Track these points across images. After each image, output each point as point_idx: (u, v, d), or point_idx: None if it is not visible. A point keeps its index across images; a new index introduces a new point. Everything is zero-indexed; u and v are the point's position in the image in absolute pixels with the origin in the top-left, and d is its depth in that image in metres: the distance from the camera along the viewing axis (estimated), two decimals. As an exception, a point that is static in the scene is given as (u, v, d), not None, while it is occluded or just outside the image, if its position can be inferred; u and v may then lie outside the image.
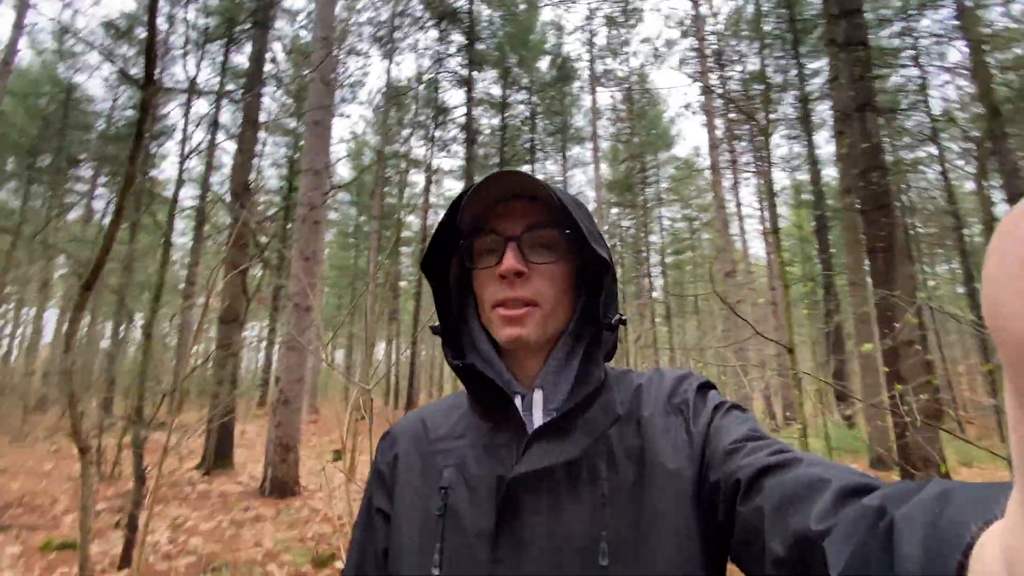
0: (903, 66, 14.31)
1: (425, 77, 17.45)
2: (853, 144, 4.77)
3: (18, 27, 11.44)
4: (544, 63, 19.92)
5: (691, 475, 0.53)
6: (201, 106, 15.70)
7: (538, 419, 0.58)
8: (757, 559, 0.42)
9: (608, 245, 0.62)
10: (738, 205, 17.71)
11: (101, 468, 6.42)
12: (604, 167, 20.82)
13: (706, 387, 0.61)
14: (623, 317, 0.61)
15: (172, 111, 14.78)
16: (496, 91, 19.12)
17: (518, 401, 0.60)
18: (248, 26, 11.83)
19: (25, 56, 16.81)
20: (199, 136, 13.40)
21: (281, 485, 5.66)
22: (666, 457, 0.54)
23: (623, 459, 0.55)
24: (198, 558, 3.87)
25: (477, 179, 0.59)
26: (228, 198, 8.36)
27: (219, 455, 6.95)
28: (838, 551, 0.33)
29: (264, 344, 20.44)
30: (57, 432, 10.82)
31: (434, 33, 17.43)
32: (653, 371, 0.65)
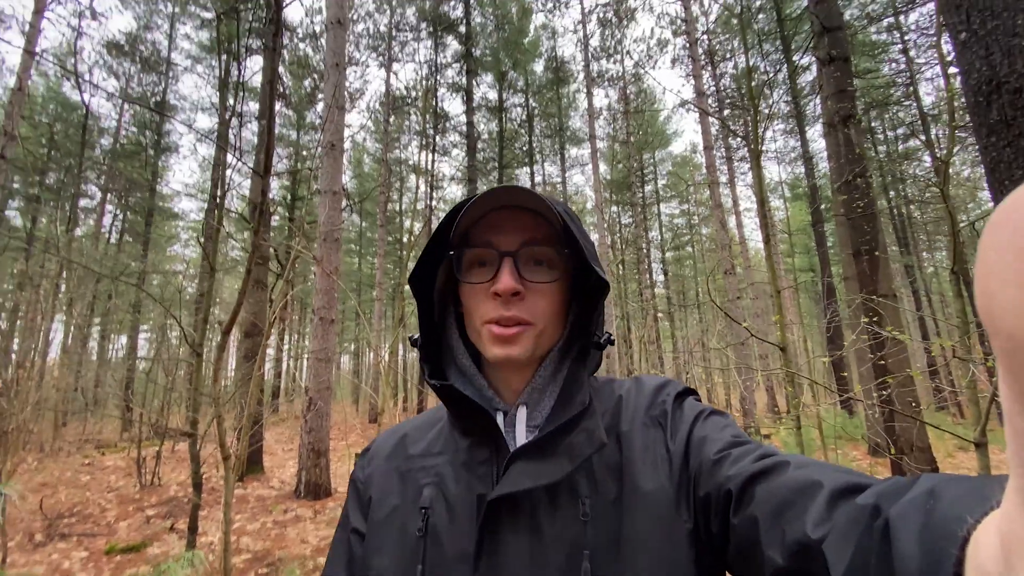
0: (894, 60, 14.81)
1: (423, 86, 17.86)
2: (837, 155, 5.13)
3: (30, 52, 11.82)
4: (539, 66, 20.33)
5: (670, 493, 0.51)
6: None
7: (521, 436, 0.57)
8: (756, 569, 0.41)
9: (597, 254, 0.61)
10: (735, 202, 18.02)
11: (142, 477, 6.82)
12: (603, 167, 21.18)
13: (684, 395, 0.60)
14: (611, 337, 0.61)
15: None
16: (493, 96, 19.54)
17: (500, 418, 0.59)
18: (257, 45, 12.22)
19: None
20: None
21: (315, 488, 6.05)
22: (645, 476, 0.52)
23: (603, 476, 0.53)
24: (252, 554, 4.25)
25: (480, 186, 0.62)
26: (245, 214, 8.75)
27: (251, 462, 7.34)
28: (838, 554, 0.32)
29: (285, 355, 20.87)
30: (85, 444, 11.24)
31: (430, 42, 17.84)
32: (633, 380, 0.64)
